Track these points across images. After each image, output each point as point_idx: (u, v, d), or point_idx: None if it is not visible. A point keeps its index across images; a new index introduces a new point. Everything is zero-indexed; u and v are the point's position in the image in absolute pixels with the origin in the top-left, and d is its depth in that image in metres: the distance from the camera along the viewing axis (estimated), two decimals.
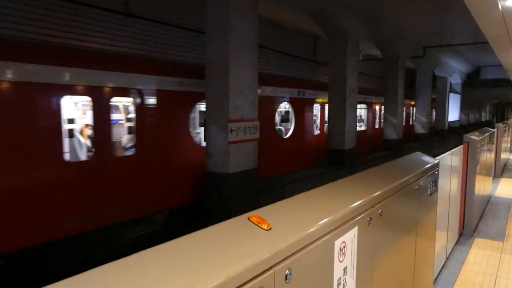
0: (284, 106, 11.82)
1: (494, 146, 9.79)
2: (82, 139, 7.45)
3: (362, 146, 13.99)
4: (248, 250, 1.24)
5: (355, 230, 1.83)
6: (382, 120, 16.62)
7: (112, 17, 8.36)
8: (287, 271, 1.31)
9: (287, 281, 1.31)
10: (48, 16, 7.34)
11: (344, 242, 1.74)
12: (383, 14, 12.49)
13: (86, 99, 6.79)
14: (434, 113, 23.49)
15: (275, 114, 10.45)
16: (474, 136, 6.18)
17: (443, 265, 5.06)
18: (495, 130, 10.18)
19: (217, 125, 7.16)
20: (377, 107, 17.02)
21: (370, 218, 1.98)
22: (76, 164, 6.43)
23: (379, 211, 2.08)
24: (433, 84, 21.03)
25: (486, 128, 9.51)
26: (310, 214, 1.64)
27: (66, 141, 6.57)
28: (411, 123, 20.85)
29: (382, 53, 15.76)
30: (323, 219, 1.60)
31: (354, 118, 12.24)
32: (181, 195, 7.65)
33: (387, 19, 13.15)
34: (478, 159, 6.37)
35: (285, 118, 12.37)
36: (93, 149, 6.46)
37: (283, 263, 1.30)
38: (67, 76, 5.87)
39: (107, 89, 6.38)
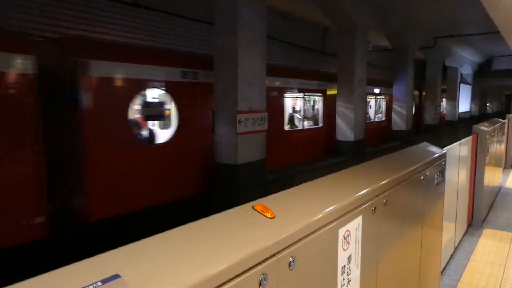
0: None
1: (504, 137, 9.69)
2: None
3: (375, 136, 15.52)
4: (251, 237, 1.26)
5: (359, 219, 1.84)
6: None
7: None
8: (291, 258, 1.33)
9: (290, 268, 1.33)
10: None
11: (348, 230, 1.76)
12: (393, 3, 12.35)
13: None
14: (444, 104, 23.25)
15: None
16: (483, 127, 6.13)
17: (451, 256, 5.07)
18: (505, 121, 10.07)
19: (226, 116, 7.19)
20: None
21: (375, 208, 1.99)
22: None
23: (384, 201, 2.09)
24: (444, 75, 20.77)
25: (496, 119, 9.41)
26: (314, 203, 1.67)
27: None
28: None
29: (391, 43, 15.61)
30: (327, 208, 1.62)
31: (363, 109, 12.18)
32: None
33: (397, 9, 13.01)
34: (488, 150, 6.33)
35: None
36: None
37: (287, 250, 1.32)
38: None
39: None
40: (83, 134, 5.86)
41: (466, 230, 6.00)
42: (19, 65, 5.04)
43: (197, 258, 1.09)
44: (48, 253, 5.07)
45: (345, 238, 1.73)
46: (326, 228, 1.57)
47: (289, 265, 1.33)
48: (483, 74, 27.16)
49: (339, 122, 11.81)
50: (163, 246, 1.13)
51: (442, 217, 3.66)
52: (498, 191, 8.41)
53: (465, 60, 23.58)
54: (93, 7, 8.06)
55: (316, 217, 1.52)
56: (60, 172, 5.81)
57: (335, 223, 1.64)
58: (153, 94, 7.34)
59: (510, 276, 4.50)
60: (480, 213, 6.28)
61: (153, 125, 7.62)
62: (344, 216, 1.71)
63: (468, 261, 4.95)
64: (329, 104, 12.17)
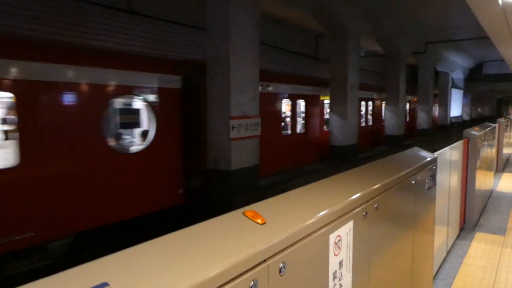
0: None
1: (495, 141, 9.78)
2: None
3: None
4: (242, 243, 1.27)
5: (350, 224, 1.85)
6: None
7: None
8: (281, 264, 1.34)
9: (281, 274, 1.34)
10: None
11: (339, 236, 1.76)
12: (385, 9, 12.47)
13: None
14: (436, 108, 23.48)
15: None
16: (474, 131, 6.19)
17: (444, 259, 5.09)
18: (496, 125, 10.17)
19: (219, 122, 7.19)
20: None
21: (366, 213, 2.00)
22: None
23: (375, 205, 2.11)
24: (435, 80, 20.97)
25: (487, 123, 9.50)
26: (305, 209, 1.67)
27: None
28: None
29: (383, 49, 15.73)
30: (318, 213, 1.63)
31: (356, 114, 12.25)
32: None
33: (389, 15, 13.13)
34: (479, 154, 6.38)
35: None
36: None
37: (277, 256, 1.33)
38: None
39: None
40: (203, 131, 7.71)
41: (458, 234, 6.03)
42: (174, 82, 7.28)
43: (187, 265, 1.09)
44: (186, 214, 7.45)
45: (336, 244, 1.74)
46: (317, 234, 1.58)
47: (280, 271, 1.33)
48: (474, 79, 27.46)
49: (332, 127, 11.86)
50: (153, 253, 1.13)
51: (434, 221, 3.68)
52: (489, 195, 8.47)
53: (456, 65, 23.82)
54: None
55: (307, 223, 1.53)
56: (189, 158, 7.80)
57: (326, 228, 1.65)
58: None
59: (502, 280, 4.53)
60: (472, 217, 6.32)
61: None
62: (335, 221, 1.72)
63: (460, 265, 4.97)
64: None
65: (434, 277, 4.49)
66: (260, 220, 1.43)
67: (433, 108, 21.71)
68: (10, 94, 5.17)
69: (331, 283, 1.73)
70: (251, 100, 7.53)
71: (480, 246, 5.57)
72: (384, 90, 16.37)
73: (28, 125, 5.31)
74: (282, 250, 1.35)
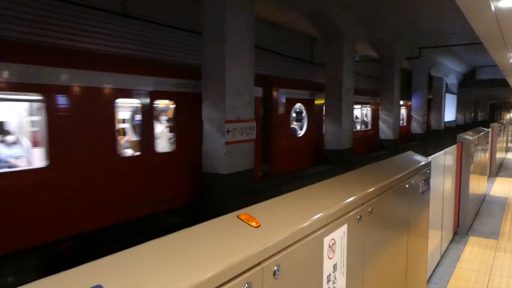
0: None
1: (489, 146, 9.85)
2: None
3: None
4: (236, 246, 1.27)
5: (344, 228, 1.86)
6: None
7: None
8: (276, 267, 1.34)
9: (275, 277, 1.34)
10: None
11: (333, 239, 1.77)
12: (379, 14, 12.55)
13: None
14: (430, 113, 23.62)
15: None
16: (467, 136, 6.23)
17: (438, 263, 5.11)
18: (489, 129, 10.24)
19: (214, 125, 7.20)
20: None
21: (360, 216, 2.01)
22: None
23: (369, 209, 2.11)
24: (429, 84, 21.11)
25: (480, 128, 9.57)
26: (299, 212, 1.68)
27: None
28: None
29: (378, 53, 15.83)
30: (312, 217, 1.63)
31: (350, 118, 12.29)
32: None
33: (383, 20, 13.22)
34: (472, 158, 6.42)
35: None
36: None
37: (272, 259, 1.33)
38: None
39: None
40: (272, 129, 10.27)
41: (452, 238, 6.06)
42: (260, 92, 9.65)
43: (180, 268, 1.09)
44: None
45: (330, 247, 1.74)
46: (311, 237, 1.58)
47: (274, 274, 1.33)
48: (468, 84, 27.69)
49: (327, 130, 11.90)
50: (147, 256, 1.13)
51: (428, 225, 3.70)
52: (483, 199, 8.51)
53: (450, 70, 24.00)
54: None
55: (301, 226, 1.53)
56: (264, 149, 10.05)
57: (320, 231, 1.65)
58: (297, 106, 11.95)
59: (496, 284, 4.55)
60: (466, 221, 6.35)
61: (295, 124, 12.34)
62: (329, 224, 1.72)
63: (454, 268, 4.99)
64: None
65: (428, 281, 4.50)
66: (254, 223, 1.43)
67: (427, 113, 21.84)
68: (172, 101, 7.59)
69: (325, 286, 1.73)
70: (246, 104, 7.54)
71: (474, 250, 5.60)
72: (377, 94, 16.47)
73: (180, 123, 7.62)
74: (277, 253, 1.35)
